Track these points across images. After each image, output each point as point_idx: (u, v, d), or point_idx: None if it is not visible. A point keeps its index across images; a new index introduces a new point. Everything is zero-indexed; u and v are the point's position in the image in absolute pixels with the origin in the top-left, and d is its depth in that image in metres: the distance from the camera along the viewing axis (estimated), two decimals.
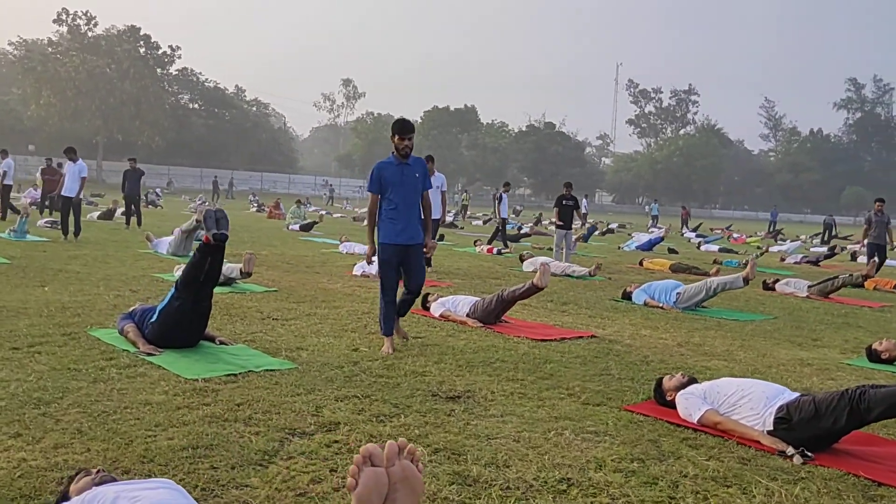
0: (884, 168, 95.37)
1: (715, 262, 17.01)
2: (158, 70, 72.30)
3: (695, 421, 4.30)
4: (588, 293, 10.47)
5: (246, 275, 8.67)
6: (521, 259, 13.60)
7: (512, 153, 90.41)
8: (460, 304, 7.63)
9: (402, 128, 5.92)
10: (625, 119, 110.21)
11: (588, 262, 14.39)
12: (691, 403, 4.37)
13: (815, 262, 18.50)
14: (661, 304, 9.30)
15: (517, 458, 3.61)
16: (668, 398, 4.65)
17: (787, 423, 4.00)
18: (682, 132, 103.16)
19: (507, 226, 29.80)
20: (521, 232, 24.44)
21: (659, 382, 4.76)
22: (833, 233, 34.20)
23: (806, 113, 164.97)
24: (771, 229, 41.98)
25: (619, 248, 21.11)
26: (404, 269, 6.10)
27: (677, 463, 3.67)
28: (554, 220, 15.32)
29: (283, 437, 3.74)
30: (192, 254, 5.67)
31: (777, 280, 12.06)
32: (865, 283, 12.31)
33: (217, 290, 8.57)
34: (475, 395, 4.70)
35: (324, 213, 30.70)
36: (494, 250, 16.56)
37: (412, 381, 4.95)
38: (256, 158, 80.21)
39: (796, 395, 4.19)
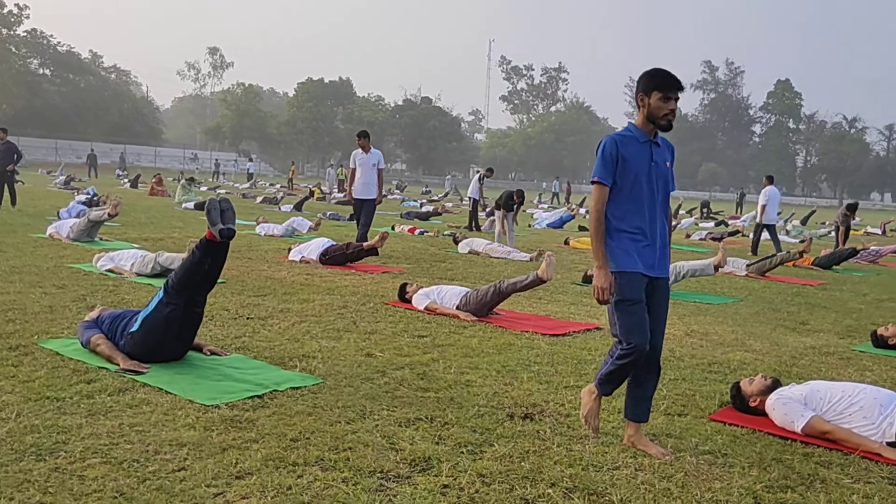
0: (735, 146, 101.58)
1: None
2: (4, 31, 65.94)
3: (798, 430, 3.92)
4: None
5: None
6: (455, 241, 13.02)
7: (389, 127, 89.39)
8: (446, 294, 6.99)
9: (667, 82, 3.54)
10: (498, 95, 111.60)
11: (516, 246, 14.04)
12: (792, 410, 3.98)
13: (719, 239, 19.02)
14: None
15: (663, 496, 3.08)
16: (753, 404, 4.25)
17: None
18: (552, 109, 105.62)
19: (406, 203, 29.24)
20: (424, 210, 23.90)
21: (737, 388, 4.36)
22: (709, 209, 35.77)
23: None
24: None
25: (529, 226, 20.95)
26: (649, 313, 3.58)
27: (831, 490, 3.25)
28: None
29: (380, 486, 3.03)
30: (180, 256, 4.69)
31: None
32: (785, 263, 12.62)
33: (155, 282, 7.59)
34: (546, 410, 4.12)
35: (222, 192, 28.85)
36: (416, 231, 15.92)
37: (465, 396, 4.30)
38: (118, 129, 74.97)
39: None
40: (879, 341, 6.43)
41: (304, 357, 4.97)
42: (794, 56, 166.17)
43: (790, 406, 4.00)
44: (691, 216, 31.37)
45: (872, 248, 15.94)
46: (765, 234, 16.17)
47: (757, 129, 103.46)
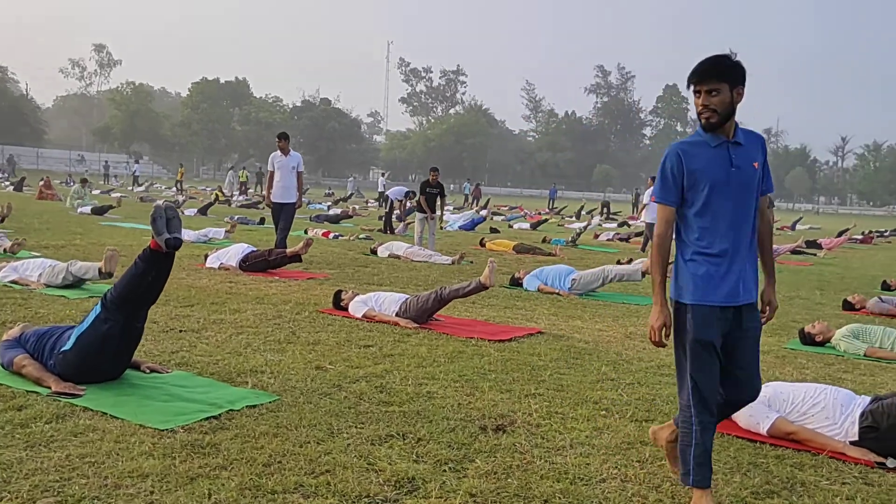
0: (626, 149, 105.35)
1: (545, 240, 17.38)
2: None
3: (763, 431, 3.97)
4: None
5: (106, 275, 7.19)
6: (373, 252, 12.71)
7: (287, 129, 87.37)
8: (385, 301, 6.81)
9: (690, 74, 3.04)
10: (397, 97, 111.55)
11: (434, 249, 13.95)
12: (757, 411, 4.03)
13: (626, 239, 19.57)
14: (556, 291, 9.07)
15: None
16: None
17: (875, 432, 3.78)
18: (451, 111, 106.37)
19: (313, 206, 28.67)
20: (332, 213, 23.49)
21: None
22: (610, 210, 36.85)
23: (562, 96, 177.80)
24: (551, 206, 44.52)
25: (441, 228, 20.88)
26: (726, 355, 3.04)
27: (813, 493, 3.29)
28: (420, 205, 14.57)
29: None
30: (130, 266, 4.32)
31: (631, 259, 12.41)
32: None
33: (68, 293, 7.07)
34: (516, 421, 4.02)
35: (119, 195, 27.45)
36: (331, 235, 15.59)
37: (430, 409, 4.15)
38: None
39: (866, 399, 4.00)
40: (807, 339, 6.66)
41: (252, 372, 4.69)
42: (680, 61, 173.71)
43: (755, 408, 4.04)
44: (591, 217, 32.18)
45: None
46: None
47: (647, 132, 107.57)
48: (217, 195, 26.00)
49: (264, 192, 20.79)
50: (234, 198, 33.68)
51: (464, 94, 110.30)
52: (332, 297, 7.10)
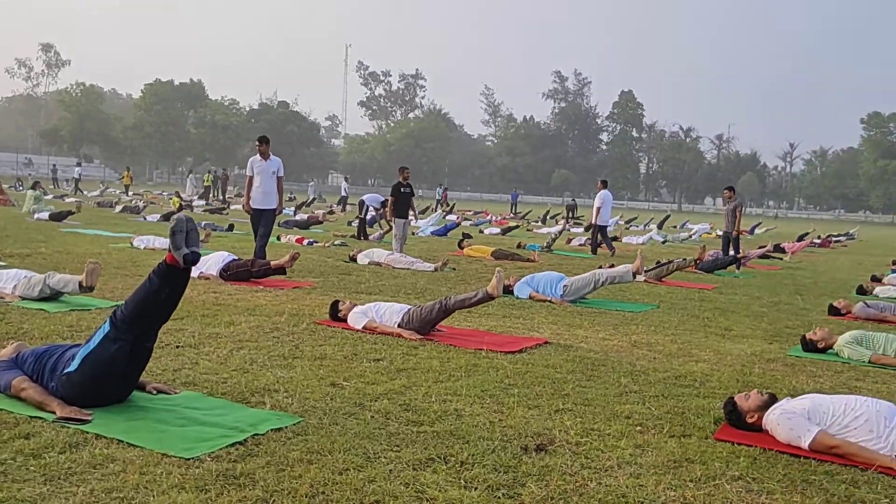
0: (584, 154, 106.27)
1: (519, 245, 17.29)
2: None
3: (805, 445, 3.87)
4: (459, 288, 9.83)
5: (87, 289, 6.83)
6: (353, 258, 12.43)
7: (244, 132, 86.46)
8: (385, 312, 6.59)
9: None
10: (356, 101, 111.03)
11: (414, 254, 13.74)
12: (798, 425, 3.93)
13: (599, 244, 19.57)
14: (548, 298, 8.95)
15: None
16: (750, 420, 4.18)
17: None
18: (411, 115, 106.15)
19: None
20: (300, 218, 23.10)
21: (733, 404, 4.28)
22: (575, 214, 37.03)
23: (520, 101, 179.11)
24: (514, 211, 44.60)
25: (413, 234, 20.63)
26: None
27: None
28: (388, 210, 14.37)
29: None
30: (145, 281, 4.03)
31: (613, 265, 12.36)
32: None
33: (47, 306, 6.70)
34: (555, 440, 3.85)
35: (76, 200, 26.60)
36: (305, 241, 15.26)
37: (463, 428, 3.96)
38: None
39: None
40: (809, 345, 6.64)
41: (265, 391, 4.45)
42: (636, 68, 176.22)
43: (795, 421, 3.95)
44: (557, 222, 32.27)
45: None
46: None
47: (604, 137, 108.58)
48: (180, 203, 25.28)
49: (223, 197, 19.94)
50: (194, 202, 33.01)
51: (423, 98, 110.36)
52: (329, 308, 6.86)
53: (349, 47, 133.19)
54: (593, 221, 17.64)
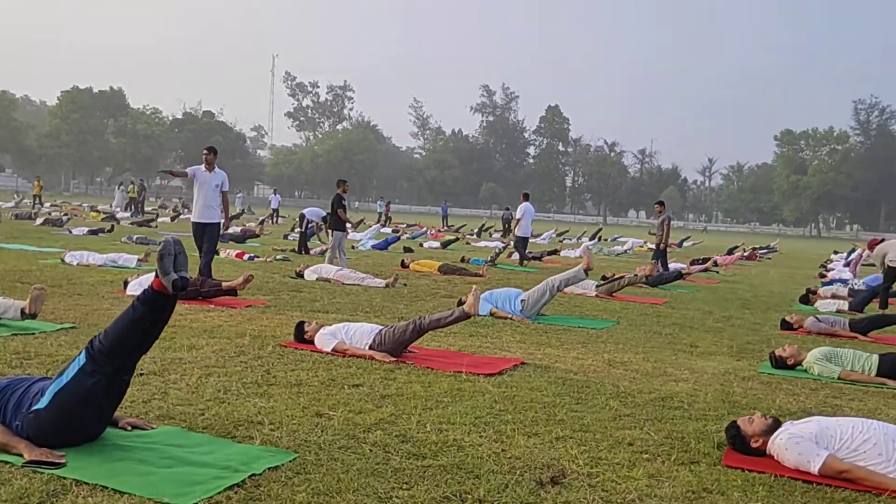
0: (511, 167, 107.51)
1: (463, 259, 17.17)
2: None
3: (814, 471, 3.81)
4: (417, 305, 9.62)
5: (30, 316, 6.36)
6: (300, 274, 12.03)
7: (168, 142, 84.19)
8: (355, 333, 6.32)
9: None
10: (283, 112, 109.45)
11: (361, 268, 13.45)
12: (806, 450, 3.88)
13: (539, 258, 19.68)
14: (509, 315, 8.83)
15: None
16: (755, 445, 4.12)
17: None
18: (339, 127, 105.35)
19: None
20: (232, 232, 22.41)
21: (737, 428, 4.20)
22: (510, 225, 37.24)
23: (449, 114, 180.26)
24: (445, 224, 44.57)
25: (353, 247, 20.29)
26: None
27: None
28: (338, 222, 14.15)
29: None
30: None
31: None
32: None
33: None
34: (566, 471, 3.69)
35: None
36: (245, 256, 14.77)
37: (468, 461, 3.75)
38: None
39: None
40: (779, 362, 6.69)
41: (249, 423, 4.15)
42: (561, 83, 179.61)
43: (804, 446, 3.90)
44: (491, 235, 32.42)
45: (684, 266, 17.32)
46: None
47: (531, 150, 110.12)
48: (113, 224, 23.84)
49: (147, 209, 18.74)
50: (119, 214, 31.80)
51: (351, 109, 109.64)
52: (295, 330, 6.55)
53: (276, 57, 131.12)
54: (514, 233, 18.16)
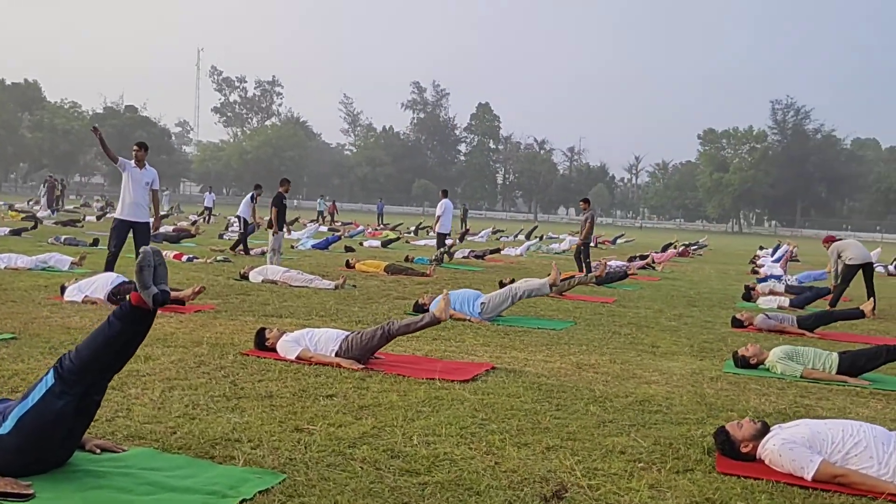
0: (443, 164, 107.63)
1: (408, 259, 16.99)
2: None
3: (808, 477, 3.80)
4: (371, 307, 9.40)
5: None
6: (244, 276, 11.65)
7: (88, 137, 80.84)
8: (320, 339, 6.09)
9: None
10: (209, 107, 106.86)
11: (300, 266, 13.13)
12: (800, 455, 3.87)
13: (482, 256, 19.65)
14: (466, 316, 8.71)
15: None
16: (745, 450, 4.09)
17: None
18: (268, 123, 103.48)
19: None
20: (164, 231, 21.66)
21: (725, 433, 4.17)
22: (466, 225, 37.29)
23: (379, 111, 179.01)
24: (380, 222, 44.22)
25: (291, 247, 19.83)
26: None
27: None
28: (271, 220, 13.86)
29: None
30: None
31: (514, 280, 12.33)
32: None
33: None
34: (565, 484, 3.58)
35: None
36: (184, 257, 14.24)
37: (463, 476, 3.60)
38: None
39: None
40: (741, 361, 6.75)
41: (226, 442, 3.90)
42: (492, 80, 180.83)
43: (797, 451, 3.89)
44: (428, 233, 32.24)
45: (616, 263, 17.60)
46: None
47: (462, 147, 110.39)
48: (36, 220, 22.68)
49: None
50: (41, 213, 30.42)
51: (280, 105, 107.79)
52: (255, 337, 6.27)
53: (201, 51, 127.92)
54: (434, 230, 18.18)
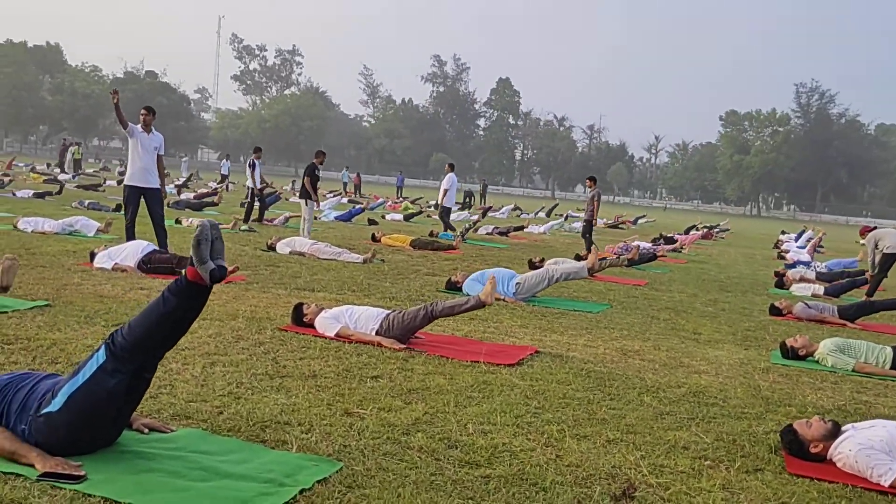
0: (461, 138, 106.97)
1: (431, 234, 16.80)
2: None
3: (886, 483, 3.61)
4: (403, 283, 9.23)
5: (1, 290, 5.77)
6: (271, 247, 11.52)
7: (107, 101, 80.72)
8: (360, 317, 5.93)
9: None
10: (229, 75, 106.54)
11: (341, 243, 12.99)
12: (879, 462, 3.67)
13: (505, 233, 19.43)
14: (502, 297, 8.52)
15: None
16: (815, 450, 3.91)
17: None
18: (287, 92, 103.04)
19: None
20: (185, 199, 21.59)
21: (794, 432, 3.98)
22: (472, 199, 37.04)
23: (399, 83, 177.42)
24: (399, 195, 44.00)
25: (315, 218, 19.62)
26: None
27: None
28: (306, 189, 13.81)
29: None
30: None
31: (543, 259, 12.14)
32: None
33: None
34: (632, 481, 3.41)
35: None
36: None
37: (529, 470, 3.44)
38: None
39: None
40: (790, 353, 6.55)
41: (275, 424, 3.75)
42: (512, 55, 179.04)
43: (875, 458, 3.69)
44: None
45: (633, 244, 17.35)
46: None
47: (482, 122, 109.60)
48: (60, 185, 22.56)
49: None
50: (62, 176, 30.41)
51: (300, 75, 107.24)
52: (292, 312, 6.12)
53: (222, 18, 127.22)
54: (439, 203, 18.34)
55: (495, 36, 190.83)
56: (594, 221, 16.77)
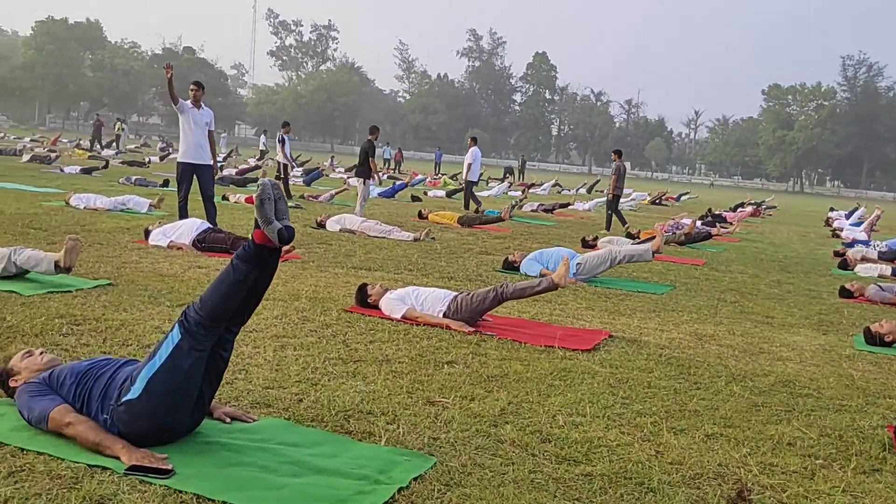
0: (497, 114, 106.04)
1: (477, 210, 16.57)
2: None
3: None
4: (458, 262, 9.03)
5: (64, 270, 5.68)
6: (321, 224, 11.40)
7: (147, 78, 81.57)
8: (427, 298, 5.75)
9: None
10: (265, 51, 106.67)
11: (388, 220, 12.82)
12: None
13: (551, 210, 19.13)
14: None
15: None
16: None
17: None
18: (323, 67, 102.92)
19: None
20: (228, 174, 21.57)
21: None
22: (514, 175, 36.68)
23: (434, 58, 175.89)
24: (437, 171, 43.74)
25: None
26: None
27: None
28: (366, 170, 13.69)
29: None
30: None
31: (597, 238, 11.86)
32: None
33: (18, 287, 5.53)
34: (746, 482, 3.18)
35: None
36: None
37: (632, 468, 3.23)
38: None
39: None
40: (875, 339, 6.22)
41: (358, 414, 3.58)
42: (549, 29, 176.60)
43: None
44: (488, 185, 31.63)
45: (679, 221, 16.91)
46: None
47: (517, 97, 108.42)
48: (106, 160, 22.70)
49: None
50: (105, 152, 30.66)
51: (335, 50, 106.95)
52: (357, 293, 5.95)
53: None
54: (464, 177, 18.29)
55: (532, 10, 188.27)
56: (619, 196, 16.34)
